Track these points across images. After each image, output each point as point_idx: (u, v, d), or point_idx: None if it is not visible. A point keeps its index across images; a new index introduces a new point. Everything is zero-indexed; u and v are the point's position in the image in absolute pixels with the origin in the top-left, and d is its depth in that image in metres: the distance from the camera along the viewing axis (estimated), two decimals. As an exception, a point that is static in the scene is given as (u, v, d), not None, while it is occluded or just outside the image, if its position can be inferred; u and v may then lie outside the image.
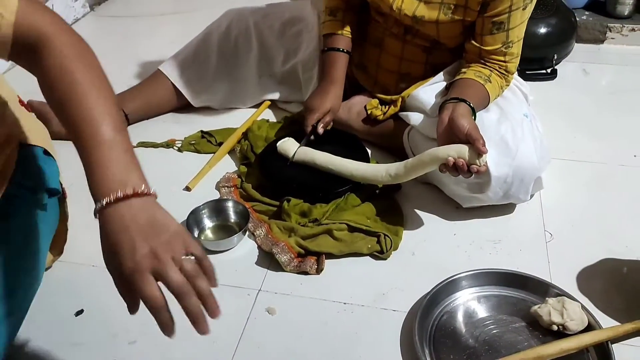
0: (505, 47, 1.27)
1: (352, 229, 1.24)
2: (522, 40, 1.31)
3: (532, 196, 1.31)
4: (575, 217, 1.31)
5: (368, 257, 1.21)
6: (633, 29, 1.97)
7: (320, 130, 1.38)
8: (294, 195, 1.28)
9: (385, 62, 1.46)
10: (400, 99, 1.44)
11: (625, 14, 2.00)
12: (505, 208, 1.31)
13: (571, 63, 1.91)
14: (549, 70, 1.84)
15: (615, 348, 0.98)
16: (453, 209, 1.31)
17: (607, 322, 1.03)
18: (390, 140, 1.46)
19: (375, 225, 1.25)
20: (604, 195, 1.37)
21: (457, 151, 1.11)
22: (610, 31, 1.99)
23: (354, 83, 1.56)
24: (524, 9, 1.24)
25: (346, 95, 1.51)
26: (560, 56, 1.88)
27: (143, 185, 0.68)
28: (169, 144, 1.53)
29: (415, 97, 1.38)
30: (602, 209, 1.33)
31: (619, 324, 1.03)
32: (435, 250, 1.22)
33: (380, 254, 1.20)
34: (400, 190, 1.35)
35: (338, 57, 1.42)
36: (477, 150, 1.09)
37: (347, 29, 1.43)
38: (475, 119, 1.19)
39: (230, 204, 1.29)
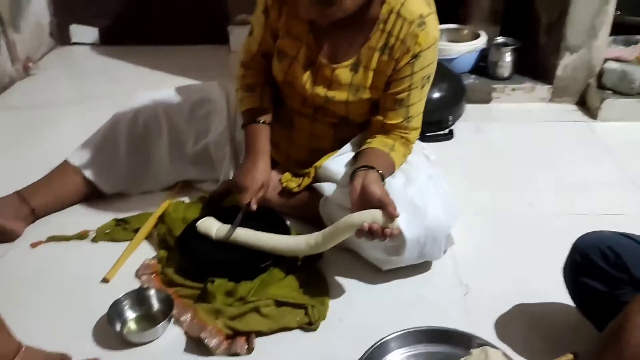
0: (406, 121, 1.37)
1: (279, 304, 1.24)
2: (421, 114, 1.41)
3: (445, 252, 1.39)
4: (487, 267, 1.39)
5: (298, 329, 1.21)
6: (514, 89, 2.19)
7: (254, 207, 1.38)
8: (217, 275, 1.27)
9: (296, 138, 1.52)
10: (313, 170, 1.50)
11: (506, 75, 2.21)
12: (422, 266, 1.37)
13: (465, 122, 2.07)
14: (446, 131, 1.98)
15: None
16: (374, 272, 1.36)
17: (528, 366, 1.10)
18: (307, 211, 1.50)
19: (302, 297, 1.27)
20: (509, 244, 1.47)
21: (371, 216, 1.16)
22: (495, 91, 2.19)
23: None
24: (422, 88, 1.35)
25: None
26: (454, 117, 2.04)
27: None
28: (82, 236, 1.48)
29: (326, 168, 1.43)
30: (510, 256, 1.43)
31: (540, 365, 1.09)
32: (361, 314, 1.25)
33: (309, 325, 1.21)
34: (322, 259, 1.38)
35: (261, 130, 1.44)
36: (389, 214, 1.15)
37: (266, 102, 1.48)
38: (384, 183, 1.26)
39: (152, 292, 1.26)
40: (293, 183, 1.52)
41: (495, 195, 1.67)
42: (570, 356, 1.08)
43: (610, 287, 1.03)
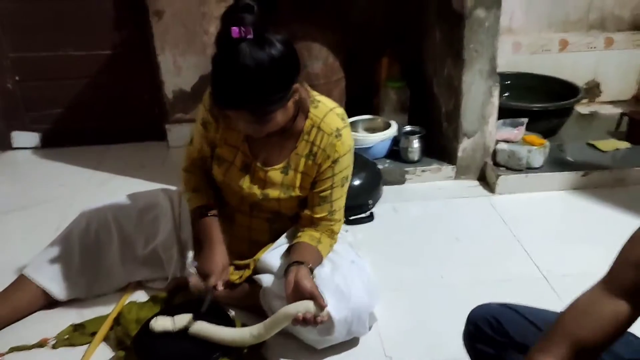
0: (330, 214, 1.61)
1: (228, 392, 1.42)
2: (343, 208, 1.66)
3: (370, 328, 1.61)
4: (407, 337, 1.62)
5: (246, 413, 1.39)
6: (423, 170, 2.50)
7: (221, 288, 1.56)
8: (172, 371, 1.44)
9: (237, 233, 1.73)
10: (252, 263, 1.71)
11: (416, 159, 2.53)
12: (351, 342, 1.58)
13: (384, 204, 2.35)
14: (367, 214, 2.25)
15: None
16: (310, 352, 1.55)
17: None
18: (249, 300, 1.69)
19: (248, 382, 1.45)
20: (425, 314, 1.71)
21: (304, 307, 1.37)
22: (408, 173, 2.50)
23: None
24: (342, 186, 1.61)
25: (205, 267, 1.76)
26: (374, 200, 2.32)
27: None
28: (42, 344, 1.60)
29: (263, 261, 1.65)
30: (426, 326, 1.66)
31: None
32: (303, 393, 1.45)
33: (254, 408, 1.39)
34: (265, 344, 1.57)
35: (212, 221, 1.64)
36: (319, 305, 1.37)
37: (212, 200, 1.69)
38: (314, 276, 1.48)
39: (113, 393, 1.41)
40: (235, 276, 1.72)
41: (412, 270, 1.93)
42: (474, 411, 1.32)
43: (498, 350, 1.27)
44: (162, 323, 1.54)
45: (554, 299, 1.75)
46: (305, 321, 1.38)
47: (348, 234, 1.81)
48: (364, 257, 1.77)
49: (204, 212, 1.66)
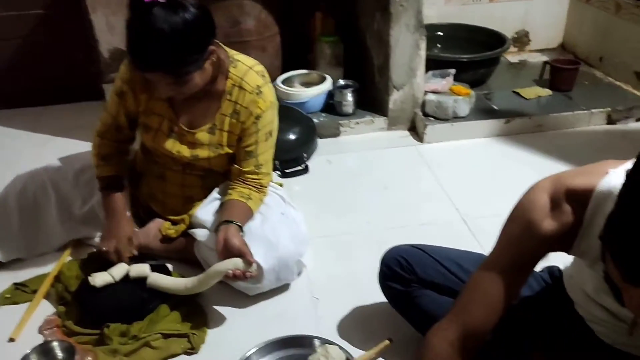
0: (257, 168, 1.69)
1: (166, 336, 1.53)
2: (270, 162, 1.74)
3: (299, 274, 1.74)
4: (334, 280, 1.76)
5: (183, 355, 1.50)
6: (357, 122, 2.60)
7: (126, 259, 1.66)
8: (112, 321, 1.53)
9: (170, 190, 1.80)
10: (187, 218, 1.79)
11: (350, 112, 2.62)
12: (282, 287, 1.70)
13: (318, 156, 2.45)
14: (302, 166, 2.35)
15: (365, 370, 1.42)
16: (243, 298, 1.67)
17: (359, 354, 1.46)
18: (186, 254, 1.79)
19: (185, 327, 1.55)
20: (351, 258, 1.85)
21: (233, 264, 1.48)
22: (342, 126, 2.60)
23: (148, 210, 1.88)
24: (266, 141, 1.69)
25: (143, 222, 1.84)
26: (309, 153, 2.41)
27: None
28: (-16, 303, 1.67)
29: (197, 216, 1.73)
30: (351, 269, 1.80)
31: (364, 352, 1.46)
32: (234, 334, 1.56)
33: (191, 350, 1.51)
34: (201, 293, 1.67)
35: (117, 196, 1.72)
36: (247, 261, 1.48)
37: (121, 170, 1.76)
38: (243, 233, 1.58)
39: (55, 344, 1.48)
40: (171, 230, 1.80)
41: (342, 219, 2.05)
42: (387, 342, 1.46)
43: (405, 286, 1.42)
44: (102, 277, 1.62)
45: (470, 239, 1.91)
46: (235, 277, 1.49)
47: (280, 189, 1.90)
48: (298, 208, 1.87)
49: (110, 184, 1.73)
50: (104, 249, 1.67)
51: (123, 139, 1.77)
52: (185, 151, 1.69)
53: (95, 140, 1.76)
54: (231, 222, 1.55)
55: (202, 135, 1.67)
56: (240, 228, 1.57)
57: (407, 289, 1.41)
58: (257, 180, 1.71)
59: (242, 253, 1.48)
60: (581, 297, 1.18)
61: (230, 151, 1.69)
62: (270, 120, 1.68)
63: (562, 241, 1.01)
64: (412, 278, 1.41)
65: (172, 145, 1.69)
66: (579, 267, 1.16)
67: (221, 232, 1.53)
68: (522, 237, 1.02)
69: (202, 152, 1.68)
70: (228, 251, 1.50)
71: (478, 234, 1.93)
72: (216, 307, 1.66)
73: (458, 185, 2.22)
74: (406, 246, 1.47)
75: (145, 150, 1.81)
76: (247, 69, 1.63)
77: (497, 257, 1.05)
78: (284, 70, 2.76)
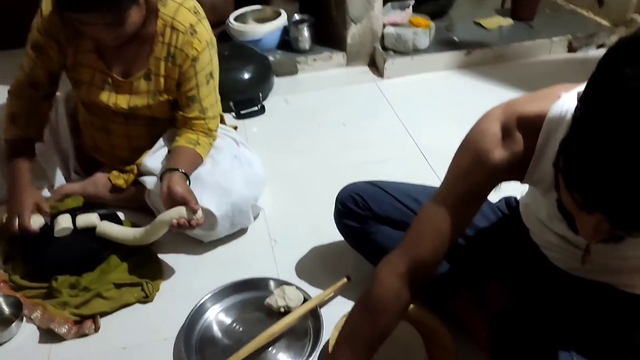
0: (202, 113, 1.60)
1: (118, 286, 1.48)
2: (215, 105, 1.65)
3: (255, 218, 1.69)
4: (292, 222, 1.72)
5: (137, 304, 1.46)
6: (314, 59, 2.51)
7: (36, 227, 1.52)
8: (62, 274, 1.47)
9: (115, 142, 1.71)
10: (135, 167, 1.71)
11: (307, 48, 2.52)
12: (240, 231, 1.66)
13: (275, 96, 2.36)
14: (258, 107, 2.26)
15: (324, 310, 1.40)
16: (198, 245, 1.62)
17: (318, 293, 1.44)
18: (137, 202, 1.72)
19: (137, 277, 1.51)
20: (309, 198, 1.81)
21: (178, 213, 1.41)
22: (300, 63, 2.50)
23: (94, 160, 1.79)
24: (207, 84, 1.59)
25: (90, 172, 1.76)
26: (265, 93, 2.33)
27: None
28: None
29: (145, 165, 1.65)
30: (309, 209, 1.76)
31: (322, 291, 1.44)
32: (190, 281, 1.52)
33: (146, 299, 1.47)
34: (155, 242, 1.61)
35: (20, 167, 1.56)
36: (191, 209, 1.41)
37: (32, 131, 1.61)
38: (189, 181, 1.51)
39: (1, 299, 1.44)
40: (120, 180, 1.73)
41: (300, 159, 2.00)
42: (345, 279, 1.45)
43: (361, 223, 1.38)
44: (38, 220, 1.54)
45: (429, 173, 1.88)
46: (180, 226, 1.41)
47: (232, 131, 1.82)
48: (254, 150, 1.81)
49: (16, 149, 1.58)
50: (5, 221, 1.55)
51: (40, 96, 1.62)
52: (122, 102, 1.59)
53: (7, 99, 1.61)
54: (175, 169, 1.48)
55: (138, 83, 1.57)
56: (186, 175, 1.50)
57: (363, 226, 1.38)
58: (205, 125, 1.63)
59: (185, 201, 1.41)
60: (536, 225, 1.16)
61: (170, 97, 1.60)
62: (209, 60, 1.58)
63: (514, 171, 0.97)
64: (368, 214, 1.37)
65: (108, 98, 1.59)
66: (533, 195, 1.14)
67: (165, 181, 1.46)
68: (472, 168, 0.97)
69: (141, 101, 1.59)
70: (172, 199, 1.43)
71: (438, 168, 1.89)
72: (170, 255, 1.61)
73: (418, 120, 2.17)
74: (361, 183, 1.43)
75: (84, 103, 1.70)
76: (177, 6, 1.51)
77: (447, 189, 1.01)
78: (236, 7, 2.62)
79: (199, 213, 1.42)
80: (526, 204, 1.22)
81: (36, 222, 1.52)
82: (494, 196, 1.38)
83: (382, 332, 1.02)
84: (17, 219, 1.50)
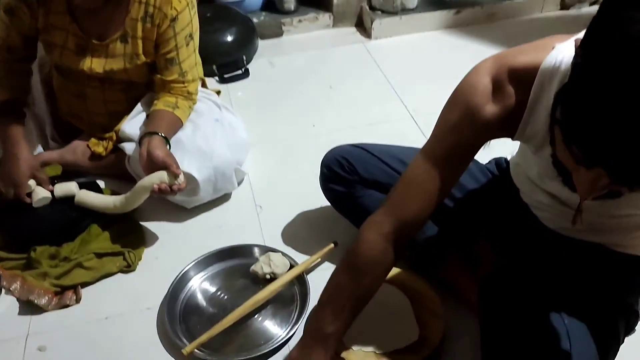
0: (181, 76, 1.54)
1: (99, 256, 1.44)
2: (195, 67, 1.58)
3: (240, 183, 1.65)
4: (277, 187, 1.68)
5: (119, 273, 1.43)
6: (300, 20, 2.43)
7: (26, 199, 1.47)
8: (39, 243, 1.43)
9: (92, 107, 1.64)
10: (114, 134, 1.65)
11: (292, 9, 2.44)
12: (223, 197, 1.62)
13: (260, 59, 2.29)
14: (242, 70, 2.19)
15: (310, 276, 1.37)
16: (181, 212, 1.58)
17: (304, 259, 1.40)
18: (118, 169, 1.66)
19: (119, 245, 1.47)
20: (296, 163, 1.76)
21: (158, 178, 1.36)
22: (285, 25, 2.42)
23: (72, 127, 1.73)
24: (187, 45, 1.52)
25: (68, 139, 1.70)
26: (249, 56, 2.25)
27: None
28: None
29: (123, 131, 1.59)
30: (296, 175, 1.71)
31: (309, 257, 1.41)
32: (173, 249, 1.48)
33: (128, 268, 1.43)
34: (137, 209, 1.57)
35: (11, 127, 1.50)
36: (172, 173, 1.35)
37: (16, 92, 1.54)
38: (170, 145, 1.45)
39: (-22, 272, 1.40)
40: (100, 147, 1.67)
41: (285, 123, 1.94)
42: (331, 245, 1.41)
43: (347, 188, 1.35)
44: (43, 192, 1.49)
45: (419, 136, 1.83)
46: (161, 191, 1.36)
47: (214, 95, 1.76)
48: (238, 114, 1.75)
49: (5, 109, 1.51)
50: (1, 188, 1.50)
51: (18, 59, 1.55)
52: (97, 66, 1.51)
53: None
54: (154, 133, 1.43)
55: (114, 46, 1.49)
56: (166, 139, 1.44)
57: (349, 190, 1.34)
58: (184, 88, 1.57)
59: (166, 165, 1.36)
60: (526, 185, 1.13)
61: (148, 60, 1.53)
62: (189, 21, 1.51)
63: (505, 126, 0.93)
64: (354, 178, 1.33)
65: (83, 62, 1.51)
66: (524, 153, 1.10)
67: (144, 145, 1.41)
68: (461, 123, 0.92)
69: (117, 65, 1.52)
70: (152, 164, 1.38)
71: (427, 130, 1.81)
72: (153, 223, 1.56)
73: (407, 81, 2.11)
74: (347, 146, 1.39)
75: (58, 68, 1.62)
76: None
77: (434, 146, 0.96)
78: (217, -34, 2.52)
79: (181, 177, 1.37)
80: (517, 164, 1.18)
81: (38, 194, 1.47)
82: (484, 156, 1.35)
83: (365, 293, 1.00)
84: (12, 189, 1.46)
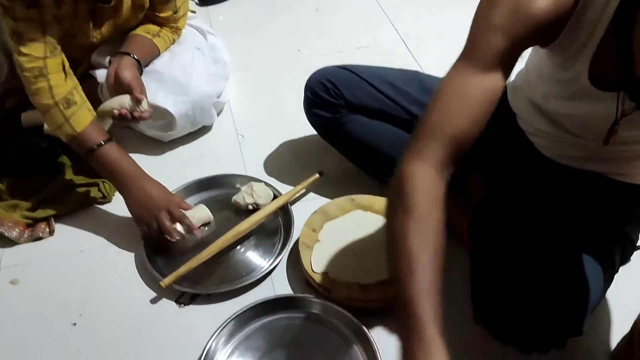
0: (174, 12, 1.43)
1: (73, 187, 1.37)
2: (186, 1, 1.47)
3: (219, 113, 1.56)
4: (259, 116, 1.59)
5: (94, 204, 1.36)
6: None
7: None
8: (7, 175, 1.36)
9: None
10: (87, 59, 1.54)
11: None
12: (204, 128, 1.53)
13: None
14: (226, -8, 2.05)
15: (295, 207, 1.31)
16: (158, 144, 1.50)
17: (288, 190, 1.34)
18: (91, 99, 1.56)
19: (93, 176, 1.39)
20: (279, 90, 1.67)
21: (119, 103, 1.25)
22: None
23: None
24: None
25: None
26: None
27: None
28: None
29: (95, 57, 1.47)
30: (280, 104, 1.62)
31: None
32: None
33: (104, 199, 1.36)
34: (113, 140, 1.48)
35: (116, 151, 1.24)
36: (135, 98, 1.25)
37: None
38: (142, 72, 1.35)
39: (-55, 205, 1.33)
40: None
41: (269, 48, 1.83)
42: (317, 175, 1.35)
43: (332, 113, 1.26)
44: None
45: (410, 61, 1.73)
46: (122, 117, 1.25)
47: (195, 17, 1.63)
48: (220, 39, 1.64)
49: (98, 137, 1.22)
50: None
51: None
52: (107, 32, 1.38)
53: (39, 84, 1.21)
54: (126, 53, 1.32)
55: (124, 6, 1.35)
56: (138, 62, 1.34)
57: (335, 116, 1.26)
58: (174, 23, 1.46)
59: (131, 87, 1.25)
60: (526, 109, 1.05)
61: (147, 6, 1.40)
62: None
63: (551, 28, 0.80)
64: (340, 103, 1.25)
65: (96, 33, 1.36)
66: (533, 71, 1.01)
67: (113, 64, 1.31)
68: (507, 20, 0.79)
69: (127, 22, 1.39)
70: (119, 86, 1.28)
71: (419, 55, 1.74)
72: (130, 155, 1.47)
73: (398, 3, 1.98)
74: (332, 67, 1.30)
75: None
76: None
77: (473, 50, 0.82)
78: None
79: (144, 104, 1.26)
80: (517, 87, 1.10)
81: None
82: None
83: (439, 248, 0.75)
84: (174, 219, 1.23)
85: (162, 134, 1.47)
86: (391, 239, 0.77)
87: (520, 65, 1.08)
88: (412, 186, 0.77)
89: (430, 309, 0.69)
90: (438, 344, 0.67)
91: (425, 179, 0.78)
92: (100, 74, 1.47)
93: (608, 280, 0.95)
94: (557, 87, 0.90)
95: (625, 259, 1.02)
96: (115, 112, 1.25)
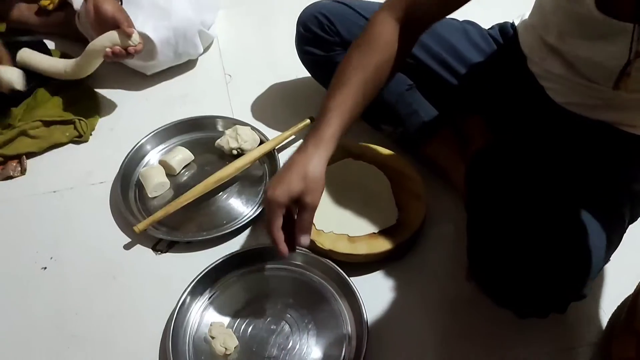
0: None
1: (47, 124, 1.28)
2: None
3: (207, 48, 1.45)
4: (248, 55, 1.49)
5: (70, 144, 1.28)
6: None
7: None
8: (-20, 109, 1.27)
9: None
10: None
11: None
12: (189, 65, 1.43)
13: None
14: None
15: (282, 154, 1.23)
16: (140, 79, 1.40)
17: (276, 135, 1.25)
18: (68, 29, 1.46)
19: (69, 113, 1.30)
20: (270, 28, 1.56)
21: (109, 39, 1.16)
22: None
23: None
24: None
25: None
26: None
27: None
28: None
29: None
30: (270, 43, 1.52)
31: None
32: (131, 121, 1.32)
33: (79, 138, 1.28)
34: (92, 76, 1.38)
35: None
36: (124, 32, 1.15)
37: None
38: (122, 0, 1.24)
39: None
40: (46, 1, 1.46)
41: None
42: (307, 120, 1.26)
43: (326, 51, 1.16)
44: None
45: None
46: (115, 55, 1.18)
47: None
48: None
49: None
50: None
51: None
52: None
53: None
54: None
55: None
56: None
57: (329, 54, 1.17)
58: None
59: (116, 22, 1.16)
60: (538, 51, 0.97)
61: None
62: None
63: None
64: (335, 40, 1.15)
65: None
66: (542, 12, 0.92)
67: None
68: None
69: None
70: (102, 22, 1.18)
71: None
72: (109, 90, 1.39)
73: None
74: (328, 1, 1.19)
75: None
76: None
77: None
78: None
79: (135, 37, 1.17)
80: (530, 26, 1.01)
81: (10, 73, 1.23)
82: (486, 20, 1.17)
83: (373, 75, 0.87)
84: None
85: (143, 64, 1.37)
86: (339, 65, 0.88)
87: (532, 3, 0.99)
88: (372, 28, 0.89)
89: (337, 117, 0.83)
90: (329, 142, 0.83)
91: (385, 25, 0.88)
92: (77, 2, 1.36)
93: (616, 241, 0.88)
94: (572, 25, 0.83)
95: (634, 218, 0.94)
96: (108, 50, 1.16)
